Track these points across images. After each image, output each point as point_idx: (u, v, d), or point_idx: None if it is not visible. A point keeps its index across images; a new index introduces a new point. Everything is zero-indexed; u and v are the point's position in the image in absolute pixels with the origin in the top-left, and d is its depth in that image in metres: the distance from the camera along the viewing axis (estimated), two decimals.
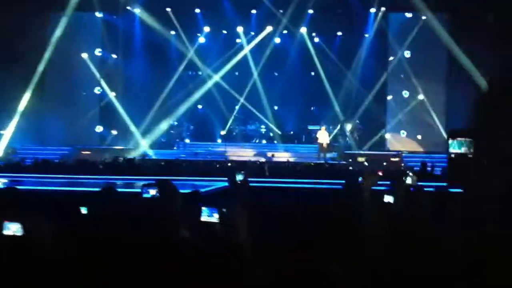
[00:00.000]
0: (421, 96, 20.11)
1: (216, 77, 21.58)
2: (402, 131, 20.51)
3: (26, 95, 19.50)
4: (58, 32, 19.71)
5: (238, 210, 3.03)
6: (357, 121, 21.19)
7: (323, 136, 18.81)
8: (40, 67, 19.64)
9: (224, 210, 3.05)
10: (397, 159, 17.92)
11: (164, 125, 21.07)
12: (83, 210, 4.68)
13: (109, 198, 3.75)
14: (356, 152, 19.17)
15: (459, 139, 3.83)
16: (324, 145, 18.70)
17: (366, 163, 17.14)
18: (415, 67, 20.14)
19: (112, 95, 21.28)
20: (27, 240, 2.94)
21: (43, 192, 7.08)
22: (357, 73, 21.25)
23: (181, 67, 21.96)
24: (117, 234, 3.04)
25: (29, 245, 2.94)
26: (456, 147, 3.78)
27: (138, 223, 3.19)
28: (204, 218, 3.08)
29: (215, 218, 3.06)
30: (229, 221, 2.98)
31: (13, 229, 2.85)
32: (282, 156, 18.97)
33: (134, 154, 18.34)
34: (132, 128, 20.86)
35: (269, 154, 19.08)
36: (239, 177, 5.41)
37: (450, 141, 3.85)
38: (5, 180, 9.92)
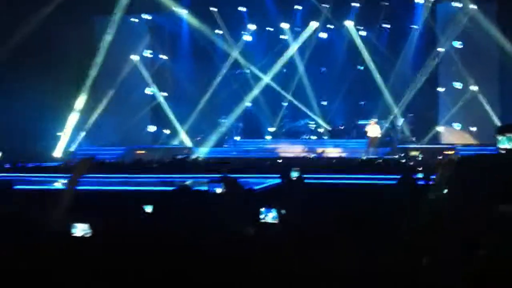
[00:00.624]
0: (473, 87, 19.49)
1: (266, 78, 21.59)
2: (455, 124, 19.95)
3: (81, 98, 20.15)
4: (108, 36, 20.23)
5: (296, 210, 3.09)
6: (410, 114, 20.78)
7: (373, 130, 18.56)
8: (93, 71, 20.22)
9: (283, 211, 3.11)
10: (451, 152, 17.48)
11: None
12: (148, 209, 4.86)
13: (184, 196, 3.86)
14: (410, 146, 18.80)
15: (508, 134, 3.74)
16: (374, 139, 18.44)
17: (419, 157, 16.82)
18: (466, 58, 19.54)
19: (162, 95, 21.76)
20: (95, 239, 3.01)
21: (105, 192, 7.32)
22: (406, 65, 20.83)
23: (227, 66, 22.17)
24: (189, 232, 3.14)
25: (97, 245, 3.05)
26: (506, 143, 3.69)
27: (209, 221, 3.29)
28: (263, 219, 3.15)
29: (274, 218, 3.12)
30: (288, 222, 3.04)
31: (81, 229, 2.93)
32: (332, 152, 18.85)
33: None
34: (181, 127, 21.28)
35: (319, 150, 18.98)
36: (294, 174, 5.43)
37: (499, 137, 3.76)
38: (64, 181, 10.17)
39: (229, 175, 3.87)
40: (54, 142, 19.78)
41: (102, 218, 3.77)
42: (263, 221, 3.21)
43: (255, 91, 21.76)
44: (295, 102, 22.01)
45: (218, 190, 3.76)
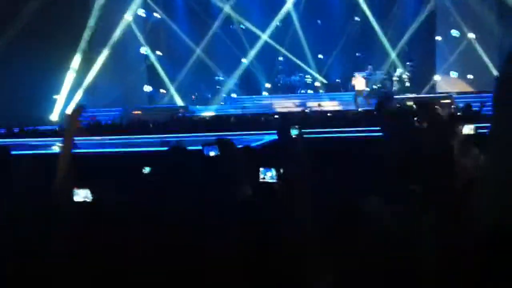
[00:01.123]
0: (471, 35, 19.28)
1: (262, 34, 21.25)
2: (452, 72, 19.83)
3: (76, 60, 19.94)
4: None
5: (296, 169, 3.10)
6: (408, 62, 20.64)
7: (359, 83, 18.50)
8: (87, 32, 19.93)
9: (282, 170, 3.12)
10: (448, 101, 17.42)
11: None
12: (146, 170, 4.89)
13: (177, 157, 3.87)
14: (404, 96, 18.73)
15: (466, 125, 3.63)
16: (359, 92, 18.41)
17: (415, 107, 16.76)
18: (464, 6, 19.25)
19: (157, 54, 21.56)
20: (97, 206, 2.98)
21: (105, 155, 7.33)
22: (403, 14, 20.58)
23: (221, 22, 21.85)
24: (182, 193, 3.17)
25: (99, 211, 3.04)
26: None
27: (204, 182, 3.32)
28: (262, 178, 3.15)
29: (273, 178, 3.13)
30: (288, 181, 3.05)
31: (82, 195, 2.84)
32: (328, 105, 18.82)
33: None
34: (177, 87, 21.19)
35: (315, 104, 18.94)
36: (294, 132, 5.37)
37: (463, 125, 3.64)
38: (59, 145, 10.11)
39: (223, 136, 3.81)
40: (51, 105, 19.69)
41: (103, 182, 3.78)
42: (262, 180, 3.23)
43: (250, 47, 21.51)
44: (291, 57, 21.80)
45: (212, 153, 3.74)
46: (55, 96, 19.86)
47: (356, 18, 21.41)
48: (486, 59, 18.79)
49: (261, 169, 3.11)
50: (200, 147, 4.28)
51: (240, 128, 11.81)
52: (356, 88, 18.50)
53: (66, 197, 2.89)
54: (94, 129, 13.67)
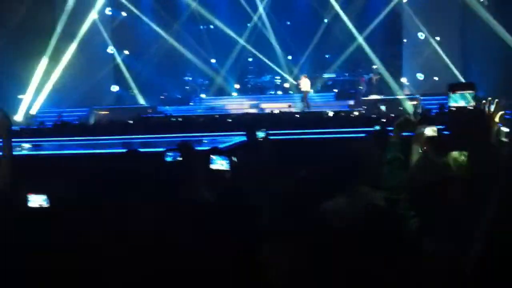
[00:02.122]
0: (437, 38, 19.63)
1: (236, 37, 21.22)
2: (418, 74, 20.13)
3: (42, 60, 19.52)
4: None
5: (245, 157, 3.10)
6: (374, 66, 20.87)
7: (305, 84, 18.70)
8: (53, 31, 19.55)
9: (234, 158, 3.13)
10: (414, 102, 17.73)
11: None
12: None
13: (133, 161, 3.82)
14: (373, 98, 18.98)
15: (459, 92, 3.64)
16: (305, 93, 18.69)
17: (383, 108, 17.00)
18: (430, 10, 19.60)
19: (124, 53, 21.29)
20: (52, 212, 2.88)
21: (65, 156, 7.17)
22: (371, 17, 20.82)
23: (191, 22, 21.76)
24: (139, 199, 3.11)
25: (56, 217, 2.93)
26: (457, 100, 3.60)
27: (162, 187, 3.27)
28: (214, 166, 3.16)
29: (225, 166, 3.14)
30: (238, 168, 3.05)
31: (38, 201, 2.72)
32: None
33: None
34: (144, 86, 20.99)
35: (286, 105, 19.01)
36: (261, 135, 5.35)
37: (450, 95, 3.64)
38: (28, 146, 9.92)
39: (185, 140, 3.76)
40: (16, 105, 19.22)
41: (61, 186, 3.69)
42: (214, 168, 3.22)
43: (220, 48, 21.45)
44: (261, 57, 21.80)
45: (173, 158, 3.68)
46: (20, 96, 19.41)
47: (325, 20, 21.54)
48: (449, 61, 19.12)
49: (212, 157, 3.11)
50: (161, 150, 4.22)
51: (208, 129, 11.74)
52: (302, 89, 18.70)
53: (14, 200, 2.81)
54: (60, 129, 13.37)
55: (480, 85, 16.71)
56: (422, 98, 17.95)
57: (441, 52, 19.25)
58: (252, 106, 19.16)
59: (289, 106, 18.93)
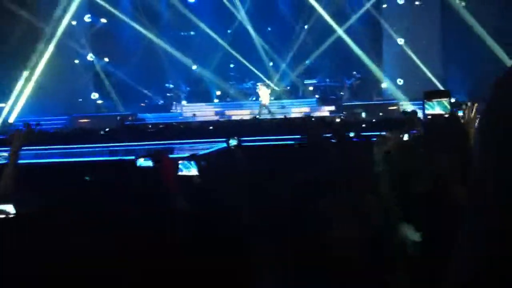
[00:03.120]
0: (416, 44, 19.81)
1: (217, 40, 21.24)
2: (398, 79, 20.29)
3: (25, 72, 19.33)
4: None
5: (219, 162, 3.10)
6: (354, 72, 21.02)
7: (263, 93, 18.90)
8: (36, 38, 19.39)
9: (203, 163, 3.11)
10: (394, 107, 17.90)
11: None
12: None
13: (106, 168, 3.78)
14: (353, 103, 19.10)
15: (435, 99, 3.65)
16: (264, 102, 18.85)
17: (363, 114, 17.13)
18: (410, 15, 19.81)
19: (104, 60, 21.16)
20: (19, 220, 2.87)
21: (41, 165, 7.08)
22: (350, 23, 20.98)
23: (171, 27, 21.75)
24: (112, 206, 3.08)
25: (22, 226, 2.90)
26: (433, 108, 3.61)
27: (135, 194, 3.23)
28: (183, 172, 3.15)
29: (193, 171, 3.13)
30: (207, 173, 3.04)
31: (5, 210, 2.70)
32: (279, 112, 18.93)
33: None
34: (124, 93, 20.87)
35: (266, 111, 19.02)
36: (233, 143, 5.38)
37: (426, 103, 3.64)
38: (4, 154, 9.76)
39: (158, 148, 3.73)
40: None
41: (28, 195, 3.64)
42: (182, 174, 3.22)
43: (201, 54, 21.44)
44: (243, 61, 21.82)
45: (147, 163, 3.66)
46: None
47: (305, 26, 21.66)
48: (423, 67, 19.26)
49: (180, 162, 3.11)
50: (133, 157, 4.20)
51: (189, 136, 11.71)
52: (261, 98, 18.97)
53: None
54: (39, 137, 13.15)
55: (462, 88, 17.02)
56: (401, 103, 18.11)
57: (417, 60, 19.35)
58: (217, 113, 19.12)
59: (270, 112, 18.95)
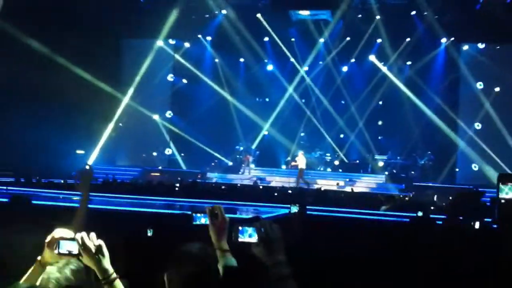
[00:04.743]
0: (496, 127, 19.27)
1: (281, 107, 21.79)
2: (473, 165, 19.63)
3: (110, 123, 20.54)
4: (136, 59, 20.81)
5: (276, 230, 3.03)
6: (429, 152, 20.57)
7: (301, 161, 18.65)
8: (125, 96, 20.65)
9: (262, 229, 3.04)
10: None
11: None
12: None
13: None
14: (423, 184, 18.56)
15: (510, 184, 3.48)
16: (300, 170, 18.58)
17: (435, 197, 16.53)
18: (488, 98, 19.43)
19: (180, 118, 22.15)
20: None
21: (108, 211, 7.34)
22: (427, 102, 20.83)
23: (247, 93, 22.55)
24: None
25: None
26: (509, 192, 3.42)
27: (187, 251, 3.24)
28: (242, 238, 3.06)
29: (253, 238, 3.03)
30: (267, 241, 2.97)
31: (68, 248, 2.75)
32: (347, 185, 18.69)
33: None
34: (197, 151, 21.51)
35: (334, 183, 18.85)
36: (294, 209, 5.31)
37: (501, 186, 3.46)
38: (76, 198, 10.12)
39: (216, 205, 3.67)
40: (73, 159, 19.99)
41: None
42: (240, 240, 3.13)
43: (274, 120, 21.96)
44: (314, 132, 22.06)
45: (203, 220, 3.62)
46: (78, 151, 20.22)
47: (379, 102, 21.77)
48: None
49: (240, 228, 3.02)
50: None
51: (253, 198, 11.73)
52: (299, 166, 18.68)
53: None
54: (110, 186, 13.71)
55: None
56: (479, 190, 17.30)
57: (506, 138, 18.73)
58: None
59: (337, 184, 18.76)
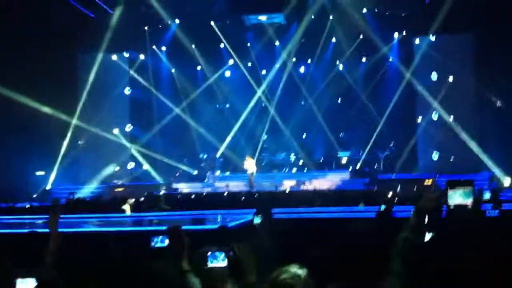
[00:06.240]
0: (451, 118, 19.71)
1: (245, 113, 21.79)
2: (434, 152, 20.03)
3: (66, 141, 20.09)
4: (91, 74, 20.44)
5: (245, 252, 2.99)
6: (391, 144, 20.91)
7: (250, 165, 18.73)
8: (77, 110, 20.27)
9: (231, 253, 3.00)
10: (429, 182, 17.48)
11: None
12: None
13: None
14: (387, 177, 18.84)
15: (461, 189, 3.50)
16: (251, 174, 18.59)
17: (398, 188, 16.78)
18: (443, 89, 19.88)
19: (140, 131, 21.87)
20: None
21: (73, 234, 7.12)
22: (382, 96, 21.23)
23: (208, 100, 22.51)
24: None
25: None
26: (458, 198, 3.45)
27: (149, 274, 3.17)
28: (211, 264, 2.99)
29: (222, 262, 2.97)
30: (237, 264, 2.93)
31: (28, 285, 2.62)
32: (312, 184, 18.79)
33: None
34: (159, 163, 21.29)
35: (301, 183, 18.91)
36: (257, 220, 5.16)
37: (450, 192, 3.48)
38: (40, 222, 9.80)
39: (175, 225, 3.51)
40: (29, 181, 19.50)
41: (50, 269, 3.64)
42: (210, 266, 3.05)
43: (235, 126, 21.94)
44: (276, 135, 22.15)
45: (163, 243, 3.52)
46: (37, 173, 19.76)
47: (338, 100, 22.06)
48: (467, 140, 19.01)
49: (208, 254, 2.96)
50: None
51: (219, 207, 11.63)
52: (248, 171, 18.73)
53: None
54: (73, 206, 13.38)
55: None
56: (437, 177, 17.70)
57: (457, 129, 19.19)
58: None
59: (303, 184, 18.82)
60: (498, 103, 18.26)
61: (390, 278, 2.58)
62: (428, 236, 3.48)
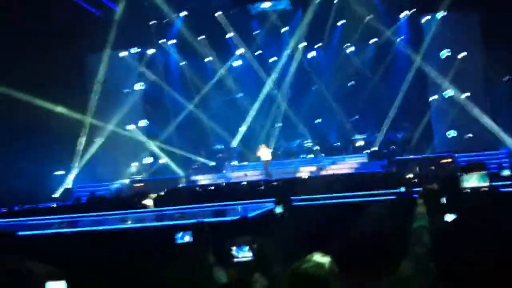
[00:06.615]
0: (464, 95, 19.51)
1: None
2: (451, 131, 19.85)
3: (83, 139, 20.26)
4: (100, 71, 20.54)
5: (269, 244, 3.02)
6: (405, 124, 20.81)
7: (264, 153, 18.57)
8: (89, 109, 20.42)
9: (255, 246, 3.04)
10: (449, 160, 17.36)
11: None
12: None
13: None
14: (405, 157, 18.75)
15: (475, 172, 3.51)
16: (266, 162, 18.45)
17: (416, 169, 16.71)
18: (455, 66, 19.66)
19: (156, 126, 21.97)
20: None
21: (98, 233, 7.20)
22: (394, 77, 21.07)
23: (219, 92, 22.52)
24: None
25: None
26: (473, 181, 3.46)
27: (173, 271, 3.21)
28: (237, 257, 3.03)
29: (247, 255, 3.02)
30: (261, 257, 2.96)
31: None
32: (330, 169, 18.80)
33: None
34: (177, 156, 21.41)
35: (320, 169, 18.90)
36: (278, 210, 5.22)
37: (464, 176, 3.49)
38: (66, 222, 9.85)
39: (201, 220, 3.59)
40: (49, 181, 19.75)
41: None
42: (236, 260, 3.10)
43: (249, 115, 21.96)
44: (290, 122, 22.12)
45: (187, 238, 3.57)
46: (56, 173, 20.00)
47: (351, 83, 21.94)
48: (480, 116, 18.84)
49: (233, 248, 3.00)
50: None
51: (238, 197, 11.67)
52: (262, 159, 18.59)
53: None
54: (94, 204, 13.52)
55: None
56: (456, 155, 17.58)
57: (471, 107, 19.02)
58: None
59: (321, 169, 18.83)
60: (507, 77, 17.99)
61: (407, 263, 2.62)
62: (448, 217, 3.50)
